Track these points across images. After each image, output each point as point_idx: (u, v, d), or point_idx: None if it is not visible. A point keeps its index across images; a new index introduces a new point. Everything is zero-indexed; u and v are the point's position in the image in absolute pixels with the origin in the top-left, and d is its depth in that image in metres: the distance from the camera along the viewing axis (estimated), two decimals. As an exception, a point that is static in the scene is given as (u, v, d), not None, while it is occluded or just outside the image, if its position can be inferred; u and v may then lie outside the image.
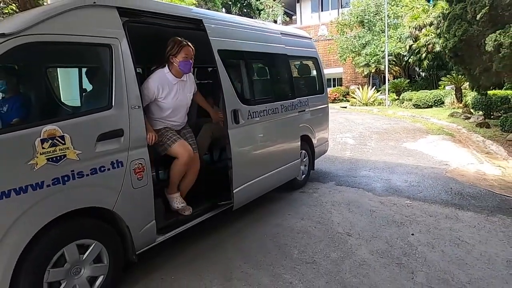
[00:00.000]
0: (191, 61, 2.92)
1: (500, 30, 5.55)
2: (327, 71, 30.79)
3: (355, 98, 19.11)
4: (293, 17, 33.34)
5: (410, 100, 15.86)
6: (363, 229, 3.49)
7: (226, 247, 3.25)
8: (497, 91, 11.30)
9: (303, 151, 4.85)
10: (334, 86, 29.74)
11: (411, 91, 17.31)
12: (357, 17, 20.17)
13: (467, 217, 3.72)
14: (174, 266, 2.92)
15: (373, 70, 19.67)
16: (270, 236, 3.43)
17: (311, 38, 5.50)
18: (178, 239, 3.17)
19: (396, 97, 17.59)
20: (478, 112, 11.35)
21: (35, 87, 2.40)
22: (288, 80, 4.77)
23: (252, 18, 34.15)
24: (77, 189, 2.21)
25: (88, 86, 3.06)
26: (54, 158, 2.08)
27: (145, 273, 2.82)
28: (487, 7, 5.66)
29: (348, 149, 7.63)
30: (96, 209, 2.35)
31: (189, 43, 2.93)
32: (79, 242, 2.27)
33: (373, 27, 20.03)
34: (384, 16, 17.86)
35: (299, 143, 4.67)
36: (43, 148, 2.02)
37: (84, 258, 2.30)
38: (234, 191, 3.49)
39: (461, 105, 13.39)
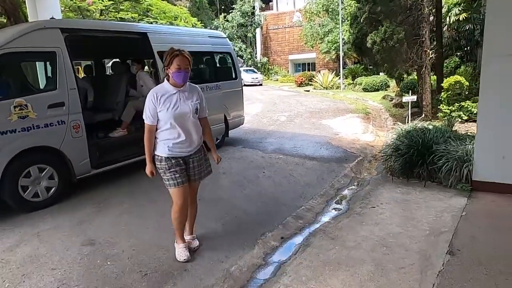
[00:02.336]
0: (185, 71, 2.61)
1: (375, 31, 7.29)
2: (301, 56, 32.44)
3: (317, 82, 20.84)
4: (270, 3, 34.55)
5: (361, 84, 17.68)
6: (235, 171, 5.30)
7: (143, 180, 4.99)
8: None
9: (217, 123, 6.62)
10: (308, 70, 31.40)
11: (365, 76, 19.10)
12: (323, 6, 21.68)
13: (310, 164, 5.56)
14: (109, 190, 4.65)
15: (333, 56, 21.36)
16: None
17: (226, 37, 7.16)
18: (117, 173, 4.92)
19: (351, 82, 19.39)
20: (405, 95, 13.23)
21: (11, 78, 4.06)
22: (211, 69, 6.59)
23: (232, 4, 35.15)
24: (36, 134, 3.91)
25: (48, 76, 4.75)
26: (22, 117, 3.78)
27: (86, 192, 4.57)
28: (366, 12, 7.37)
29: (275, 124, 9.41)
30: (49, 147, 4.07)
31: (184, 52, 2.63)
32: (39, 166, 4.00)
33: (337, 16, 21.60)
34: (340, 6, 19.40)
35: (222, 114, 6.49)
36: (15, 110, 3.71)
37: (42, 175, 4.03)
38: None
39: (399, 88, 15.25)
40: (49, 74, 4.46)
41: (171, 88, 2.69)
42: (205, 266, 2.82)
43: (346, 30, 19.90)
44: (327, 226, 3.46)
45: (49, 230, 3.53)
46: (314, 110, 11.77)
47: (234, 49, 27.57)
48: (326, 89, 19.99)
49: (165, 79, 2.75)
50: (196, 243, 3.08)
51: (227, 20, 32.09)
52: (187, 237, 3.03)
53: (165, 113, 2.65)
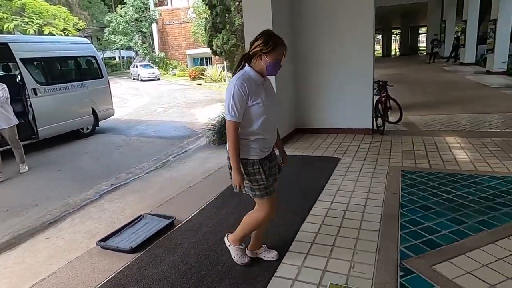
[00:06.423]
0: (281, 63, 2.17)
1: (216, 37, 9.39)
2: (198, 51, 33.91)
3: (207, 76, 22.77)
4: (164, -1, 35.32)
5: (243, 77, 20.12)
6: (97, 150, 6.85)
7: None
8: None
9: (88, 115, 7.99)
10: (206, 64, 33.14)
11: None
12: (206, 2, 23.48)
13: (159, 141, 7.39)
14: None
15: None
16: (48, 156, 6.51)
17: (90, 43, 8.51)
18: None
19: (236, 75, 21.77)
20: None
21: None
22: (76, 70, 7.89)
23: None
24: None
25: None
26: None
27: None
28: (210, 22, 9.42)
29: (151, 114, 11.00)
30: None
31: (284, 41, 2.15)
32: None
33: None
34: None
35: (89, 108, 7.86)
36: None
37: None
38: (38, 130, 6.71)
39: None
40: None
41: (257, 77, 2.16)
42: (52, 202, 4.40)
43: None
44: (145, 175, 5.30)
45: None
46: (191, 101, 13.63)
47: (130, 44, 28.18)
48: (216, 82, 22.06)
49: (245, 64, 2.17)
50: (274, 253, 2.60)
51: (121, 15, 31.90)
52: (261, 251, 2.61)
53: (258, 108, 2.12)
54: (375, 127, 6.37)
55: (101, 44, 34.18)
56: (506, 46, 12.87)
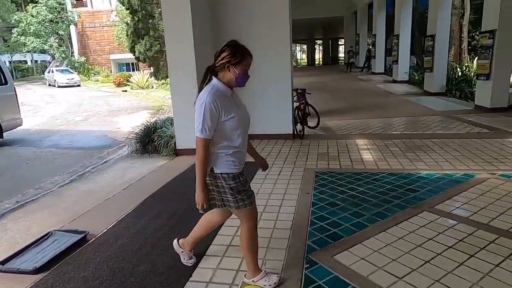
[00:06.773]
0: (249, 74, 2.15)
1: (139, 43, 9.12)
2: (123, 56, 32.28)
3: (133, 82, 21.84)
4: (83, 0, 33.07)
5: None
6: (0, 165, 6.15)
7: None
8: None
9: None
10: (133, 70, 31.74)
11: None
12: (128, 7, 22.44)
13: (75, 152, 6.91)
14: None
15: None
16: None
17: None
18: None
19: (165, 81, 21.29)
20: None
21: None
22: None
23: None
24: None
25: None
26: None
27: None
28: (132, 28, 9.13)
29: (68, 124, 10.21)
30: None
31: (250, 51, 2.11)
32: None
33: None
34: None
35: None
36: None
37: None
38: None
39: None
40: None
41: (226, 89, 2.11)
42: None
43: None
44: (57, 189, 4.91)
45: None
46: (115, 109, 12.95)
47: (44, 47, 26.12)
48: (142, 88, 21.23)
49: (212, 77, 2.10)
50: (192, 259, 2.67)
51: (32, 15, 29.04)
52: (184, 255, 2.65)
53: (233, 121, 2.06)
54: (295, 132, 6.76)
55: (8, 46, 30.66)
56: (407, 58, 14.64)
